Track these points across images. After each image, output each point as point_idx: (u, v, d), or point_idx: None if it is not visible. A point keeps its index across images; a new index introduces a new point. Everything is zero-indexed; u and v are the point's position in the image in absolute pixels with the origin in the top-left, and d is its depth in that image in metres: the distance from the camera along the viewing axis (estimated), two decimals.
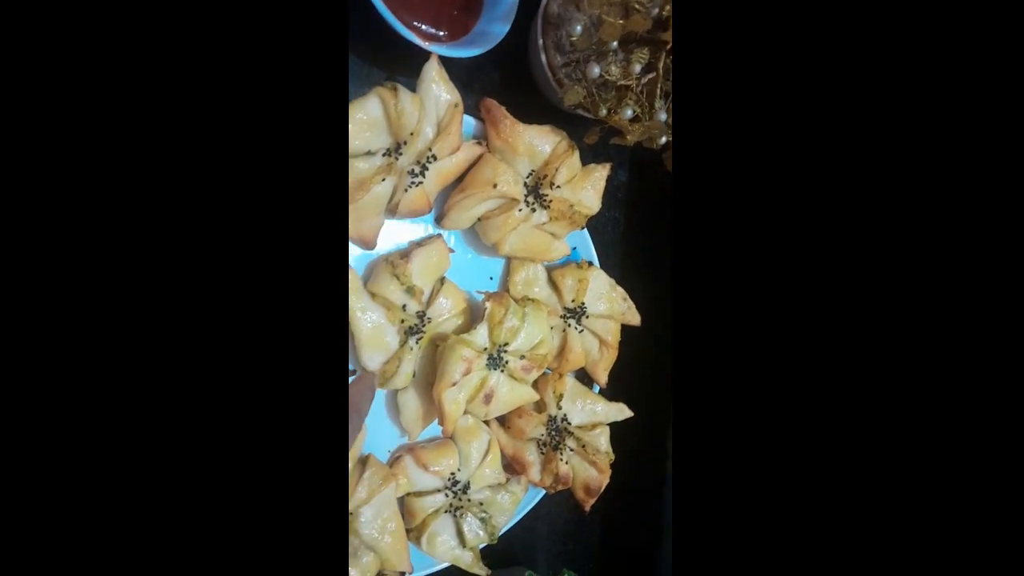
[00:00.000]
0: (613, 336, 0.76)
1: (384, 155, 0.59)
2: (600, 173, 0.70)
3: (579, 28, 0.60)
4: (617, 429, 0.76)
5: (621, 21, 0.56)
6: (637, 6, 0.56)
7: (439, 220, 0.67)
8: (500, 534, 0.70)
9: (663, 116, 0.62)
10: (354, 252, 0.64)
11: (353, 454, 0.62)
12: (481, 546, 0.69)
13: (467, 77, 0.69)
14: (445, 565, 0.68)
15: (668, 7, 0.57)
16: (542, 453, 0.73)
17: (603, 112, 0.62)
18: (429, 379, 0.65)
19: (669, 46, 0.59)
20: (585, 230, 0.74)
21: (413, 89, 0.59)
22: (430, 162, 0.61)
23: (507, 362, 0.65)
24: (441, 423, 0.63)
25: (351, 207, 0.58)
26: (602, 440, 0.75)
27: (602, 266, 0.76)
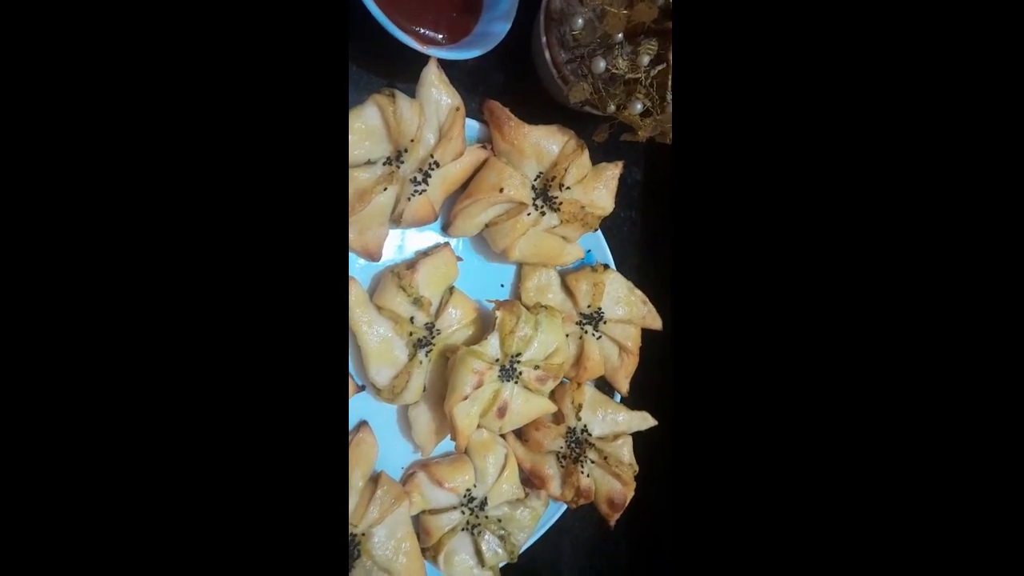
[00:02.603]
0: (633, 341, 0.72)
1: (385, 164, 0.57)
2: (612, 172, 0.66)
3: (581, 21, 0.57)
4: (642, 439, 0.72)
5: (625, 11, 0.53)
6: None
7: (446, 228, 0.66)
8: (520, 551, 0.68)
9: None
10: (358, 264, 0.62)
11: (366, 471, 0.60)
12: (501, 564, 0.67)
13: (470, 80, 0.67)
14: None
15: None
16: (562, 466, 0.70)
17: (612, 108, 0.59)
18: (441, 392, 0.63)
19: None
20: (599, 232, 0.71)
21: (414, 95, 0.58)
22: (433, 169, 0.59)
23: (521, 373, 0.63)
24: (453, 438, 0.61)
25: (353, 219, 0.57)
26: (625, 451, 0.71)
27: (619, 268, 0.73)
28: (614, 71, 0.58)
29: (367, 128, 0.55)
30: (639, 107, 0.58)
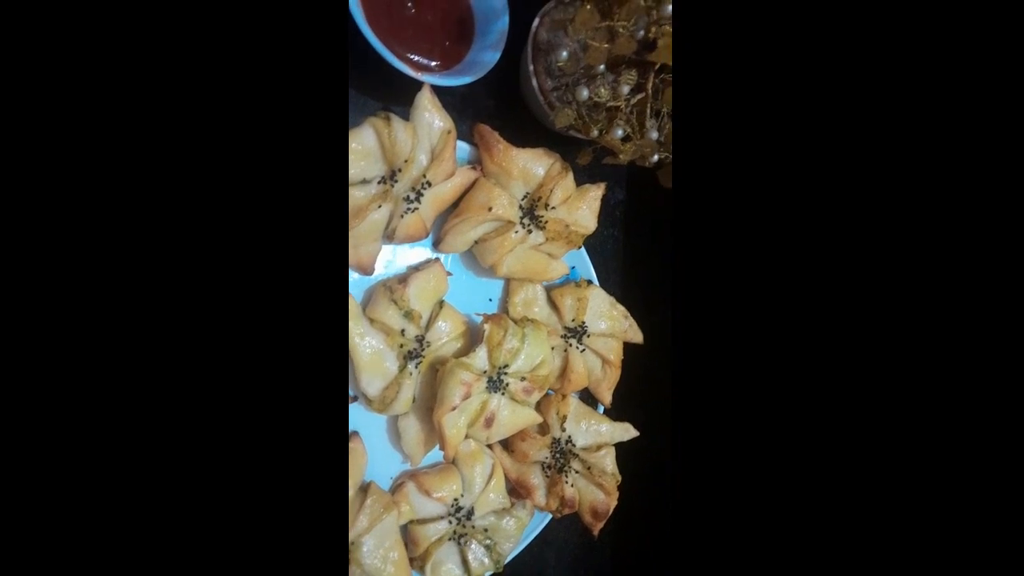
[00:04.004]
0: (615, 355, 0.75)
1: (379, 183, 0.60)
2: (595, 193, 0.70)
3: (565, 54, 0.61)
4: (624, 449, 0.75)
5: (607, 45, 0.57)
6: (621, 29, 0.57)
7: (436, 244, 0.68)
8: (506, 561, 0.69)
9: (654, 135, 0.62)
10: (352, 278, 0.65)
11: (356, 481, 0.62)
12: (487, 574, 0.68)
13: (461, 104, 0.71)
14: None
15: (654, 29, 0.58)
16: (547, 476, 0.72)
17: (595, 133, 0.63)
18: (430, 404, 0.65)
19: (657, 66, 0.60)
20: (583, 249, 0.74)
21: (408, 118, 0.61)
22: (425, 188, 0.62)
23: (507, 384, 0.65)
24: (442, 448, 0.62)
25: (349, 234, 0.59)
26: (608, 461, 0.73)
27: (602, 284, 0.76)
28: (596, 99, 0.61)
29: (363, 149, 0.58)
30: (620, 133, 0.62)
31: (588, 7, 0.55)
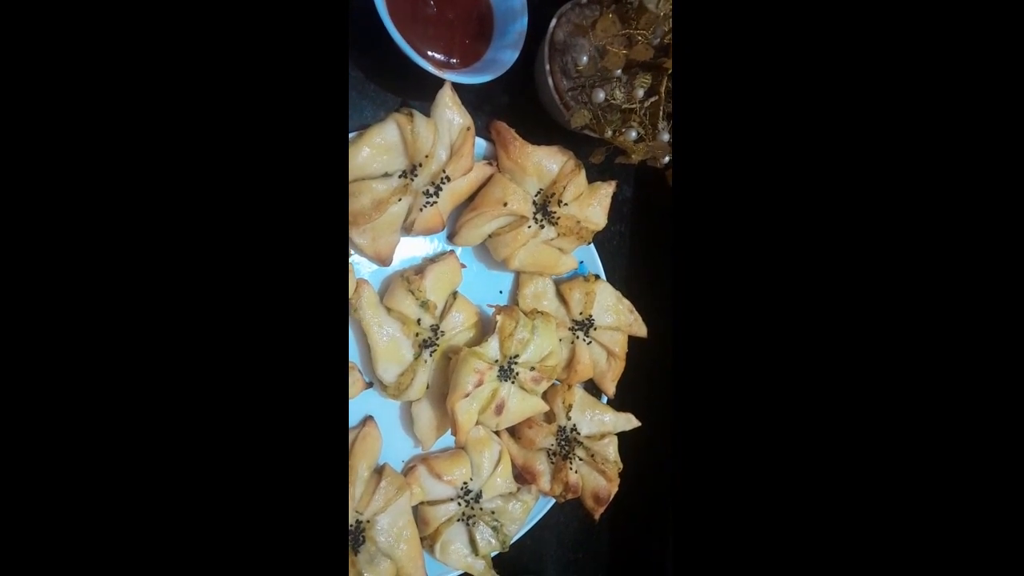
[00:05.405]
0: (620, 347, 0.78)
1: (400, 177, 0.62)
2: (606, 190, 0.72)
3: (585, 58, 0.63)
4: (626, 438, 0.78)
5: (625, 51, 0.59)
6: (640, 36, 0.59)
7: (452, 237, 0.70)
8: (511, 542, 0.72)
9: (666, 137, 0.65)
10: (371, 268, 0.67)
11: (371, 463, 0.64)
12: (493, 554, 0.71)
13: (478, 101, 0.73)
14: (458, 573, 0.70)
15: (669, 36, 0.60)
16: (552, 463, 0.75)
17: (609, 133, 0.65)
18: (443, 391, 0.67)
19: (671, 71, 0.62)
20: (592, 245, 0.77)
21: (428, 114, 0.63)
22: (444, 183, 0.64)
23: (517, 373, 0.67)
24: (454, 433, 0.65)
25: (368, 226, 0.61)
26: (610, 450, 0.76)
27: (609, 279, 0.79)
28: (611, 101, 0.64)
29: (386, 143, 0.60)
30: (633, 134, 0.64)
31: (610, 15, 0.57)
